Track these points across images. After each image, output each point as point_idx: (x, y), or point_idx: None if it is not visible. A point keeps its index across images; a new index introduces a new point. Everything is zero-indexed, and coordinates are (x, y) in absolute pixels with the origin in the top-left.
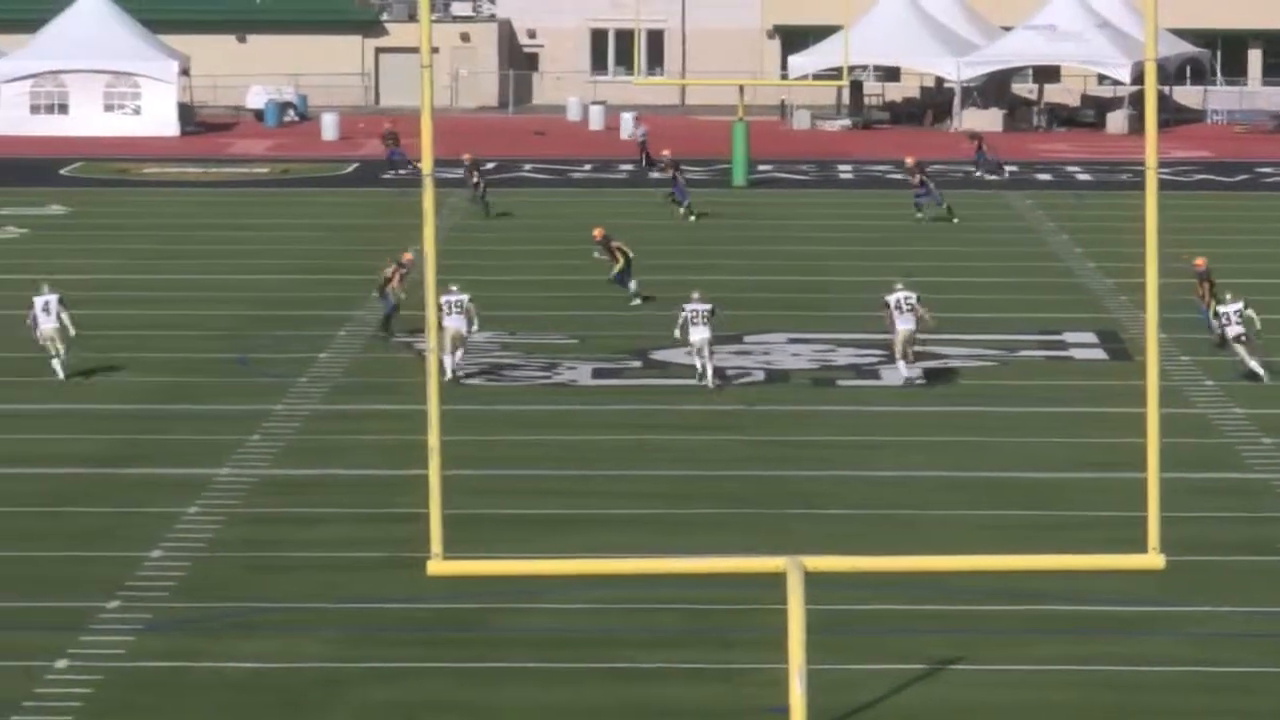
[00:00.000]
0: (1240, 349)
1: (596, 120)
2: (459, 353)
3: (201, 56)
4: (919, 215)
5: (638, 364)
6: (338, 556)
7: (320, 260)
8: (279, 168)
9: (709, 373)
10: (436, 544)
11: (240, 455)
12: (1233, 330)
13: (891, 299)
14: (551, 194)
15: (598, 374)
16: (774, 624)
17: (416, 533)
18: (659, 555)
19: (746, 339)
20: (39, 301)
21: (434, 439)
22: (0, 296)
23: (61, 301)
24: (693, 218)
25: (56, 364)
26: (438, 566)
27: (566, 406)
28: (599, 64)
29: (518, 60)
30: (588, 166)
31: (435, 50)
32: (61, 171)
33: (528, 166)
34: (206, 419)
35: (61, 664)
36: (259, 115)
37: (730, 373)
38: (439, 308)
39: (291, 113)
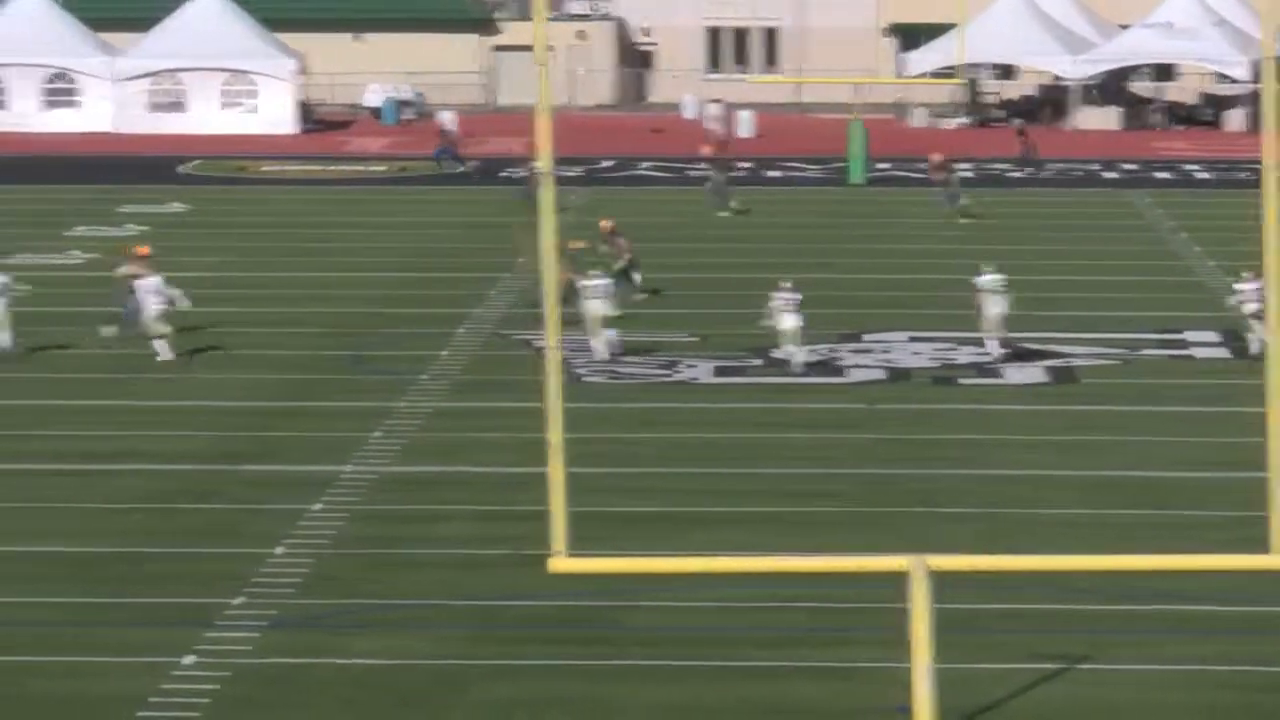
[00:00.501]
0: (1256, 327)
1: (713, 119)
2: (609, 332)
3: (319, 55)
4: (946, 210)
5: (759, 362)
6: (460, 554)
7: (439, 258)
8: (396, 165)
9: (798, 358)
10: (558, 541)
11: (363, 453)
12: (1250, 307)
13: (980, 281)
14: (669, 192)
15: (719, 372)
16: (896, 623)
17: (538, 530)
18: (781, 554)
19: (866, 337)
20: (142, 286)
21: (555, 436)
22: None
23: (167, 283)
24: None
25: (160, 344)
26: (559, 564)
27: (687, 404)
28: (714, 62)
29: (633, 59)
30: (704, 165)
31: (551, 48)
32: (180, 169)
33: (645, 165)
34: (329, 416)
35: (188, 660)
36: (376, 113)
37: (819, 358)
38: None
39: (409, 110)
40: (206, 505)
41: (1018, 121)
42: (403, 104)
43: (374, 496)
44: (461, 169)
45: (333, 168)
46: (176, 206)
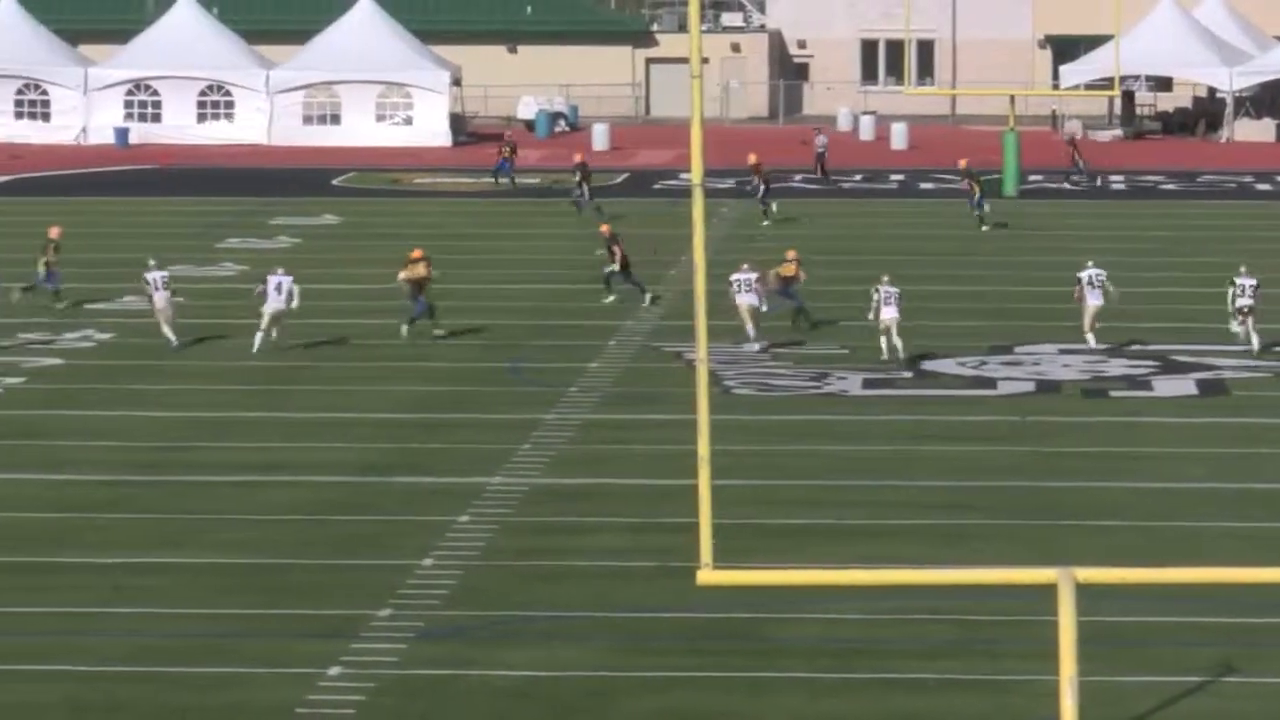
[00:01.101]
0: (1249, 320)
1: (867, 130)
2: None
3: (473, 67)
4: (980, 222)
5: (908, 374)
6: (608, 565)
7: (590, 270)
8: (550, 178)
9: (899, 353)
10: (706, 553)
11: (512, 464)
12: (1243, 301)
13: (1083, 275)
14: (823, 204)
15: (868, 384)
16: (1044, 635)
17: (686, 542)
18: (930, 566)
19: (1017, 349)
20: (273, 280)
21: (704, 448)
22: None
23: (293, 280)
24: (766, 222)
25: (259, 338)
26: (707, 576)
27: (837, 416)
28: (869, 74)
29: (788, 70)
30: (858, 176)
31: (705, 61)
32: (334, 182)
33: (798, 177)
34: (478, 428)
35: (334, 671)
36: (530, 125)
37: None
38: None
39: (562, 123)
40: (356, 517)
41: (1070, 129)
42: (555, 116)
43: (522, 508)
44: (506, 183)
45: (486, 180)
46: (329, 218)
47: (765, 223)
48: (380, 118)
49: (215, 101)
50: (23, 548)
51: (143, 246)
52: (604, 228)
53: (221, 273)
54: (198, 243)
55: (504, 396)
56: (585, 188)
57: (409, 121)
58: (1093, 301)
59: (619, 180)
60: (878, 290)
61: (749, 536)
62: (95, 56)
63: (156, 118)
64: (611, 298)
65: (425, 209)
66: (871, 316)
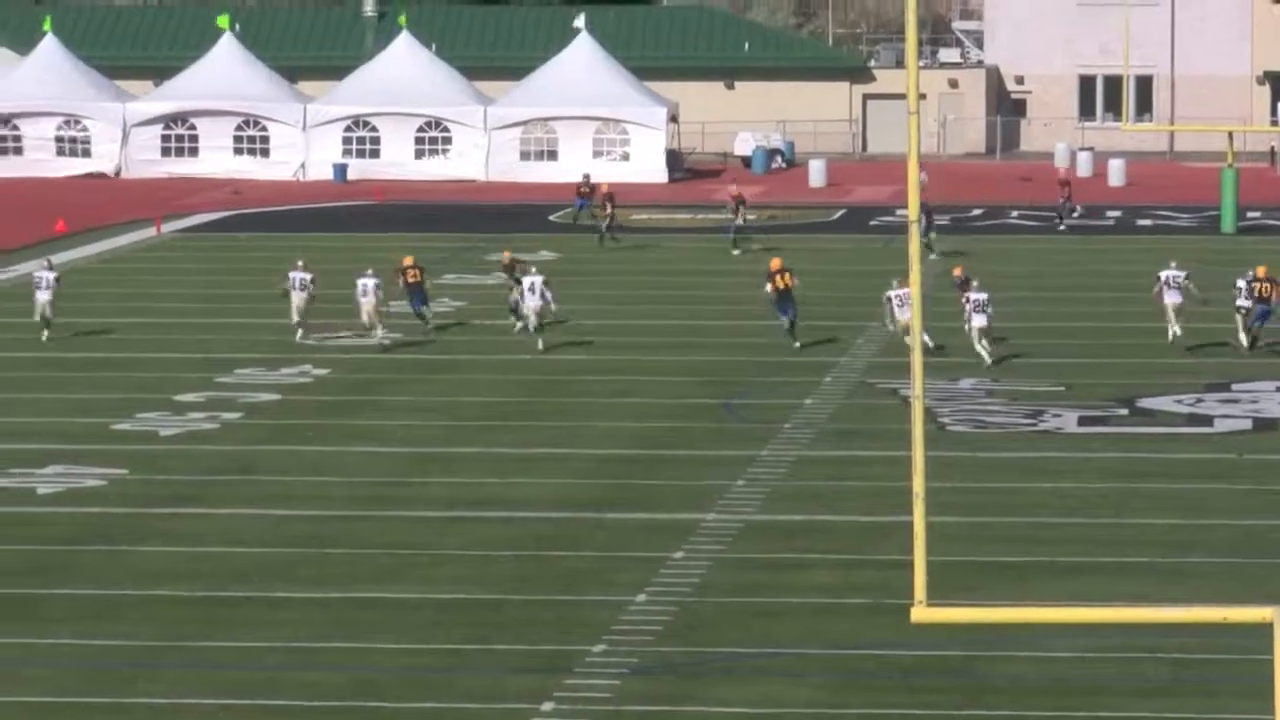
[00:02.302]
0: (1239, 319)
1: (1084, 166)
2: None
3: (690, 103)
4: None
5: (1124, 411)
6: (822, 602)
7: (806, 305)
8: (766, 214)
9: (987, 357)
10: (920, 590)
11: (726, 500)
12: (1241, 301)
13: (1163, 275)
14: (1038, 241)
15: (1084, 421)
16: (1261, 674)
17: (900, 579)
18: (1146, 604)
19: (1235, 387)
20: (526, 281)
21: (919, 485)
22: (483, 340)
23: (546, 281)
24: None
25: (379, 333)
26: (921, 613)
27: (1052, 453)
28: (1087, 110)
29: (1005, 106)
30: (1076, 214)
31: (923, 97)
32: (551, 217)
33: (1014, 213)
34: (693, 464)
35: (548, 707)
36: (746, 162)
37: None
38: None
39: (779, 159)
40: (570, 552)
41: (1062, 171)
42: (772, 153)
43: (737, 544)
44: (595, 223)
45: (703, 216)
46: (546, 254)
47: (932, 255)
48: (597, 153)
49: (433, 138)
50: (244, 582)
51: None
52: (506, 255)
53: (438, 307)
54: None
55: (719, 433)
56: (741, 218)
57: (626, 157)
58: (1169, 300)
59: (835, 216)
60: (968, 298)
61: (963, 573)
62: (314, 93)
63: (375, 153)
64: (519, 325)
65: (642, 245)
66: (967, 328)
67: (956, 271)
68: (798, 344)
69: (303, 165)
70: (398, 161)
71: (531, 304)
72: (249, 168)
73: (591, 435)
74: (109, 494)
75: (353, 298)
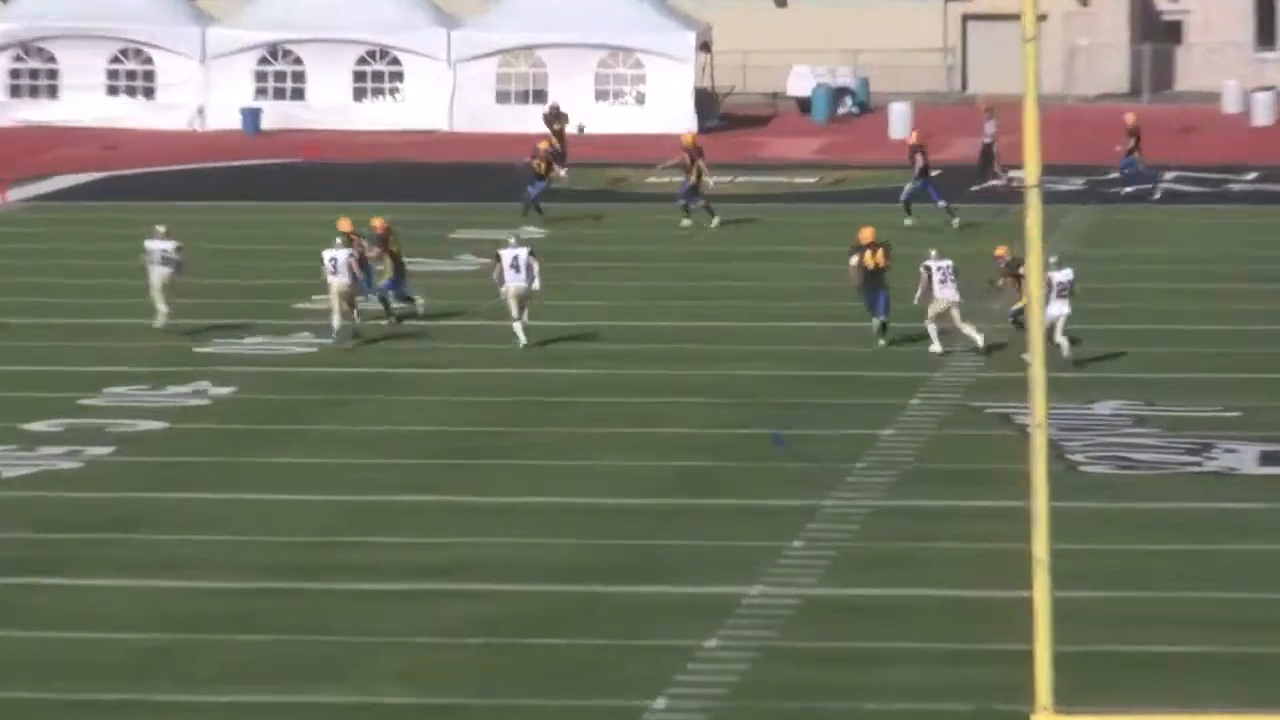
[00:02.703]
0: None
1: (1263, 112)
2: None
3: (727, 26)
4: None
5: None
6: (909, 709)
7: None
8: (830, 176)
9: (1065, 350)
10: (1044, 693)
11: (778, 569)
12: None
13: None
14: (1204, 214)
15: (1266, 459)
16: None
17: (1016, 677)
18: None
19: None
20: (508, 255)
21: (1041, 548)
22: (448, 349)
23: (532, 253)
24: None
25: (518, 327)
26: None
27: (1224, 504)
28: (1266, 36)
29: (1154, 31)
30: (1251, 175)
31: (1042, 18)
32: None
33: (1170, 175)
34: (732, 518)
35: None
36: (804, 105)
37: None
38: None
39: (848, 102)
40: (562, 640)
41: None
42: (839, 93)
43: (791, 629)
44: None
45: (743, 180)
46: (531, 232)
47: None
48: (601, 95)
49: (378, 73)
50: (109, 681)
51: (280, 271)
52: (378, 222)
53: (373, 306)
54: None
55: (769, 475)
56: (695, 176)
57: (640, 100)
58: None
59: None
60: (1050, 279)
61: (1102, 668)
62: (216, 12)
63: (298, 94)
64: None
65: (655, 220)
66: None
67: (1000, 252)
68: (882, 341)
69: (200, 111)
70: (330, 105)
71: (515, 284)
72: (127, 113)
73: (593, 478)
74: None
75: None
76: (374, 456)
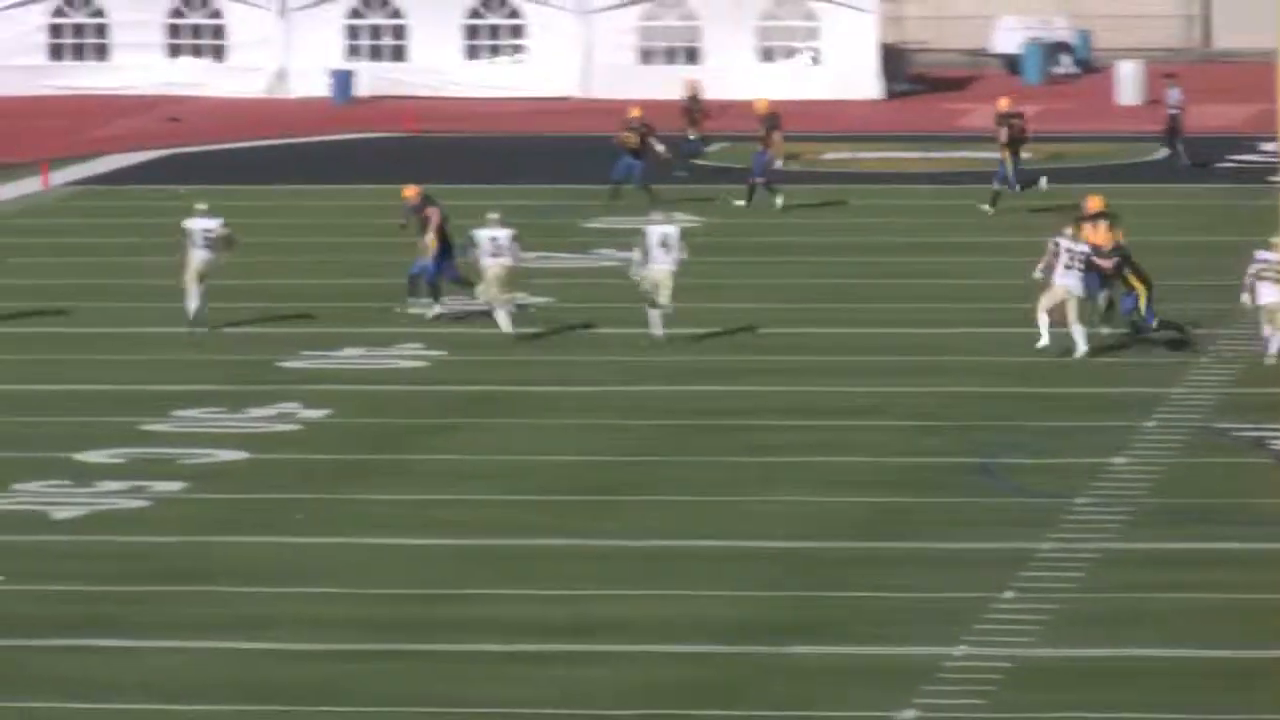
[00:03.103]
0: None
1: None
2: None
3: None
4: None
5: None
6: None
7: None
8: (1045, 150)
9: (1274, 345)
10: None
11: (986, 625)
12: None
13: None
14: None
15: None
16: None
17: None
18: None
19: None
20: (655, 233)
21: None
22: (578, 362)
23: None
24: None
25: (657, 317)
26: None
27: None
28: None
29: None
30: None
31: None
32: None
33: None
34: (929, 565)
35: None
36: (1012, 64)
37: None
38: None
39: (1066, 60)
40: (724, 711)
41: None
42: (1054, 49)
43: (1003, 697)
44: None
45: (939, 155)
46: (682, 220)
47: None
48: (766, 54)
49: (495, 27)
50: None
51: (379, 268)
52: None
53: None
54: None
55: (971, 513)
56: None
57: (815, 60)
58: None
59: (1159, 155)
60: (1254, 262)
61: None
62: None
63: (398, 54)
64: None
65: (842, 200)
66: (1246, 297)
67: (1093, 205)
68: (1105, 330)
69: (281, 74)
70: (435, 68)
71: (661, 267)
72: (194, 78)
73: (758, 518)
74: None
75: (469, 257)
76: (492, 492)
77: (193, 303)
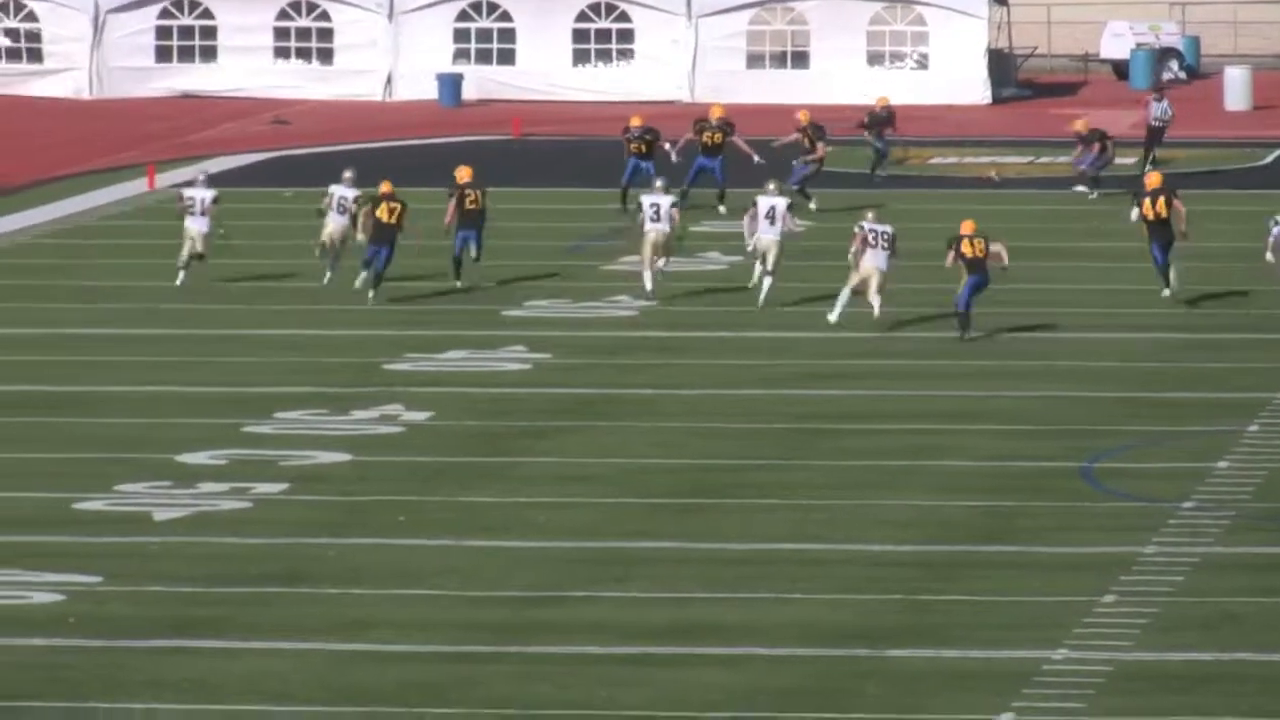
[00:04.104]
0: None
1: None
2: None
3: None
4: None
5: None
6: None
7: (1215, 309)
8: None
9: None
10: None
11: (1086, 629)
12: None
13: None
14: None
15: None
16: None
17: None
18: None
19: None
20: (764, 204)
21: None
22: (683, 366)
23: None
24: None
25: (767, 283)
26: None
27: None
28: None
29: None
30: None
31: None
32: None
33: None
34: (1029, 568)
35: None
36: (1120, 70)
37: None
38: None
39: (1174, 66)
40: (831, 715)
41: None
42: (1163, 55)
43: (1102, 701)
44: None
45: (1047, 161)
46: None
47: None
48: (875, 58)
49: (604, 31)
50: None
51: (485, 271)
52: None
53: (602, 308)
54: (567, 274)
55: (1074, 516)
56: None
57: (923, 63)
58: None
59: (1268, 160)
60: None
61: None
62: None
63: (506, 57)
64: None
65: (952, 208)
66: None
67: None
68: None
69: (389, 77)
70: (545, 71)
71: (768, 237)
72: (300, 81)
73: (860, 521)
74: (71, 614)
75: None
76: (596, 495)
77: (182, 271)
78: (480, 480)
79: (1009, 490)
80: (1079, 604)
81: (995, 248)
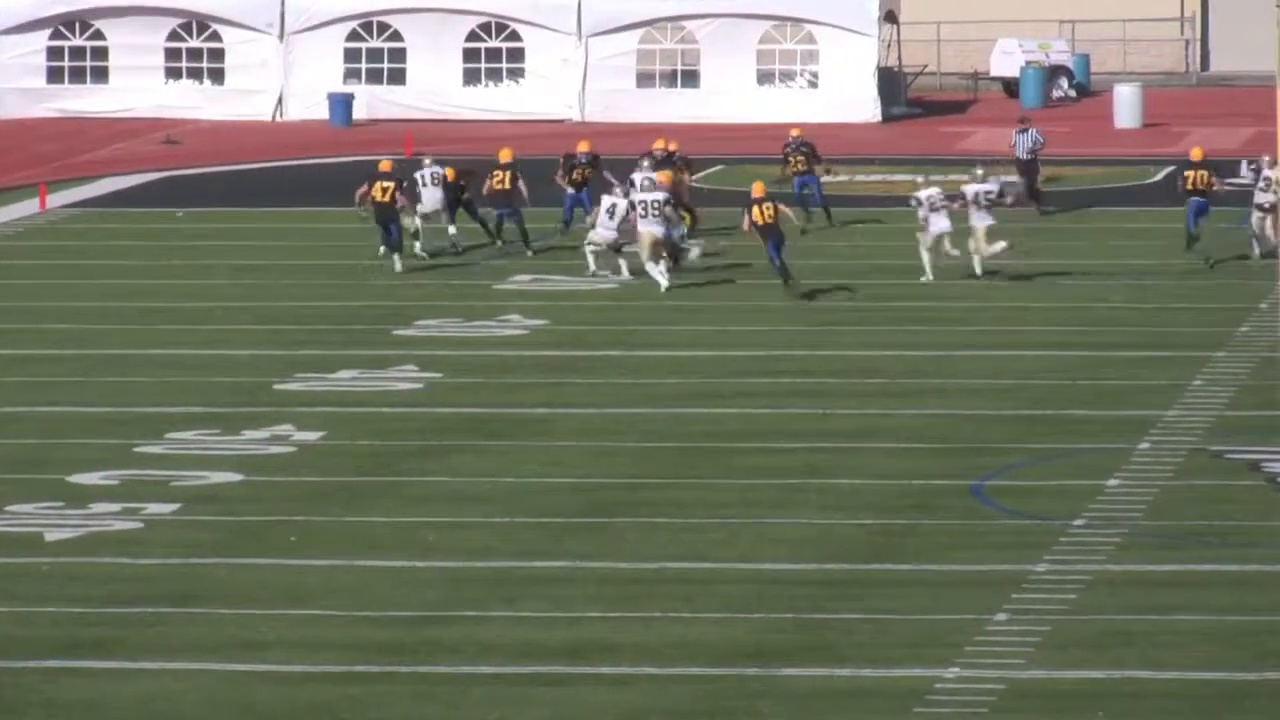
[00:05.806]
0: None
1: None
2: None
3: None
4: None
5: None
6: None
7: (1109, 327)
8: (1045, 172)
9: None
10: None
11: (978, 647)
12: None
13: None
14: None
15: None
16: None
17: None
18: None
19: None
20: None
21: None
22: (579, 386)
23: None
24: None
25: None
26: None
27: None
28: None
29: None
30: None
31: None
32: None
33: None
34: (921, 587)
35: None
36: (1009, 87)
37: None
38: None
39: (1064, 84)
40: None
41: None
42: (1053, 73)
43: None
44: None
45: (938, 179)
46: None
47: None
48: (764, 77)
49: (494, 50)
50: None
51: (378, 290)
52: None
53: (498, 328)
54: (458, 293)
55: (965, 536)
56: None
57: (814, 82)
58: None
59: (1158, 177)
60: None
61: None
62: None
63: (397, 77)
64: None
65: (842, 226)
66: None
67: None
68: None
69: (280, 97)
70: (436, 90)
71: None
72: (191, 101)
73: (753, 540)
74: None
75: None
76: (487, 515)
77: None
78: (371, 500)
79: (901, 509)
80: (971, 622)
81: (784, 209)
